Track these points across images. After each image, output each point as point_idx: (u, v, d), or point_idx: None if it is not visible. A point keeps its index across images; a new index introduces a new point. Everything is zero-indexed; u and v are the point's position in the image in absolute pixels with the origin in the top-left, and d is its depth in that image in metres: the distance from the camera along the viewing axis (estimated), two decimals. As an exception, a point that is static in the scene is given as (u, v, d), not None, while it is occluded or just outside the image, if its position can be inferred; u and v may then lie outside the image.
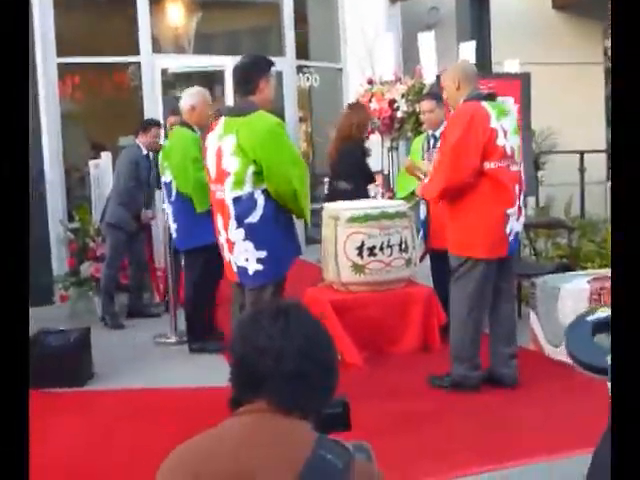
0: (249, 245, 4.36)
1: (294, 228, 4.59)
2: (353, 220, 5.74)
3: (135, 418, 4.77)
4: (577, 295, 5.42)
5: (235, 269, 4.50)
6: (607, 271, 5.91)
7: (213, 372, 5.17)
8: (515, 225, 4.84)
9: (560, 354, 5.50)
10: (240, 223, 4.35)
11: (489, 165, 4.70)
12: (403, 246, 5.82)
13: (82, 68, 9.55)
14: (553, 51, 11.75)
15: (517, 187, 4.83)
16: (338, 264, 5.78)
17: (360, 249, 5.72)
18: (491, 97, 4.94)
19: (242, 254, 4.40)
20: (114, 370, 5.64)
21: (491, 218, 4.73)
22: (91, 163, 7.90)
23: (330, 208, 6.09)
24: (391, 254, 5.77)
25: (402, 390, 5.02)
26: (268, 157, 4.25)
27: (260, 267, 4.37)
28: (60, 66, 8.74)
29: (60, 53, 8.66)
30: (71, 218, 8.26)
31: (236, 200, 4.32)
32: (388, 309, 5.75)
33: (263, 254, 4.36)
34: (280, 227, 4.40)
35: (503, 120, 4.79)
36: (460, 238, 4.84)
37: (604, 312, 1.80)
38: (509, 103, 6.32)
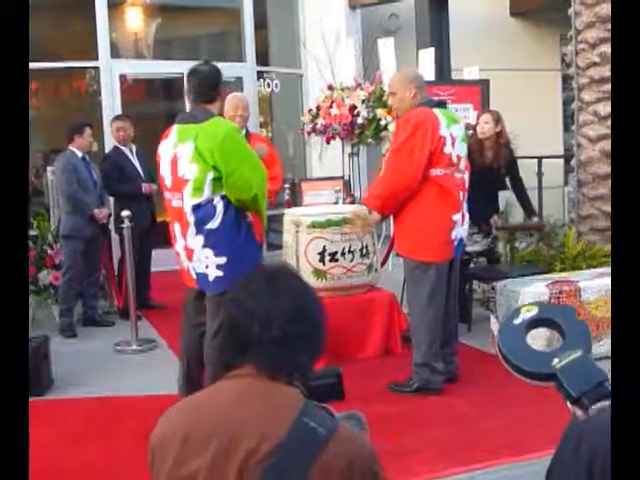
0: (209, 252, 4.31)
1: (254, 233, 4.50)
2: (315, 225, 5.74)
3: (96, 426, 4.72)
4: (536, 299, 5.46)
5: (194, 276, 4.44)
6: (566, 275, 5.99)
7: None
8: (460, 231, 4.97)
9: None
10: (199, 230, 4.29)
11: (435, 172, 4.79)
12: (364, 251, 5.84)
13: (40, 74, 9.44)
14: (511, 58, 11.88)
15: (461, 194, 4.94)
16: (299, 269, 5.78)
17: (322, 254, 5.73)
18: (442, 104, 5.04)
19: (202, 261, 4.34)
20: (74, 379, 5.57)
21: (438, 223, 4.84)
22: (49, 169, 7.81)
23: (291, 213, 6.10)
24: (352, 259, 5.79)
25: (365, 395, 5.02)
26: (227, 163, 4.20)
27: (220, 273, 4.31)
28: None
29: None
30: (29, 225, 8.16)
31: (195, 207, 4.27)
32: (350, 315, 5.76)
33: (223, 260, 4.30)
34: (240, 233, 4.35)
35: (453, 128, 4.87)
36: (410, 243, 4.95)
37: (529, 312, 1.76)
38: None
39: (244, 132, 5.90)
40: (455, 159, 4.87)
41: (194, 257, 4.37)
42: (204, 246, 4.30)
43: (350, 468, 1.58)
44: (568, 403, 1.63)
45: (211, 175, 4.20)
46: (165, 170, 4.42)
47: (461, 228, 5.00)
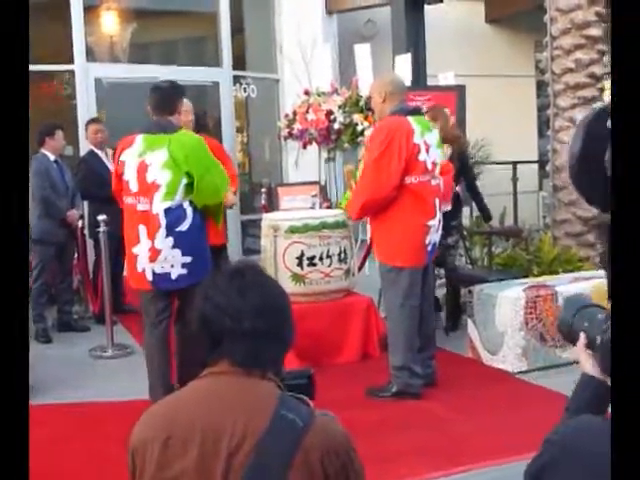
0: (177, 252, 4.64)
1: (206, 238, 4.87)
2: (293, 230, 5.74)
3: (72, 432, 4.68)
4: (513, 303, 5.50)
5: (150, 277, 4.72)
6: (543, 279, 6.03)
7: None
8: (434, 236, 5.05)
9: (497, 361, 5.59)
10: (170, 232, 4.61)
11: (410, 180, 4.84)
12: (342, 256, 5.85)
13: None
14: (487, 64, 11.97)
15: (437, 200, 5.00)
16: (277, 274, 5.76)
17: (300, 259, 5.72)
18: (416, 112, 5.09)
19: (168, 261, 4.66)
20: (50, 384, 5.51)
21: (413, 230, 4.89)
22: (24, 173, 7.72)
23: (269, 218, 6.08)
24: (330, 264, 5.79)
25: (344, 400, 5.01)
26: (200, 169, 4.62)
27: (184, 271, 4.67)
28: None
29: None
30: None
31: (167, 210, 4.59)
32: (328, 319, 5.76)
33: (189, 259, 4.66)
34: (202, 235, 4.78)
35: (427, 135, 4.93)
36: (385, 249, 5.01)
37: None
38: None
39: None
40: (430, 166, 4.92)
41: (159, 257, 4.66)
42: (173, 247, 4.63)
43: (329, 456, 1.64)
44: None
45: (184, 181, 4.58)
46: (130, 176, 4.71)
47: (436, 234, 5.06)
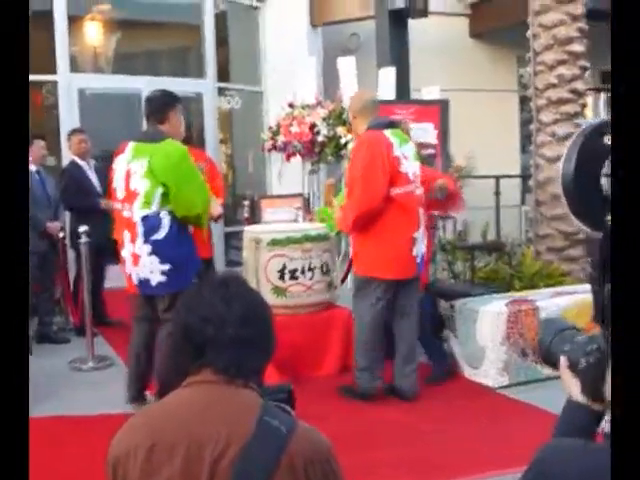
0: (154, 259, 4.75)
1: (193, 246, 4.95)
2: (275, 243, 5.72)
3: (50, 445, 4.62)
4: (495, 318, 5.50)
5: (136, 281, 4.85)
6: (524, 294, 6.04)
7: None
8: (421, 247, 5.13)
9: (478, 376, 5.58)
10: (147, 239, 4.74)
11: (395, 191, 4.95)
12: (324, 269, 5.83)
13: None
14: (470, 78, 12.01)
15: (421, 210, 5.13)
16: (259, 287, 5.73)
17: (282, 272, 5.70)
18: (392, 125, 5.17)
19: (147, 267, 4.77)
20: (31, 397, 5.45)
21: (400, 242, 4.99)
22: (5, 183, 7.67)
23: (251, 231, 6.06)
24: (312, 277, 5.77)
25: (325, 413, 5.00)
26: (176, 181, 4.68)
27: (163, 279, 4.78)
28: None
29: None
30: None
31: (144, 218, 4.72)
32: (309, 332, 5.74)
33: (167, 267, 4.76)
34: (183, 244, 4.84)
35: (404, 147, 5.06)
36: (368, 260, 5.08)
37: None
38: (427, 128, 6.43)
39: None
40: (412, 177, 5.02)
41: (140, 263, 4.79)
42: (150, 254, 4.75)
43: (312, 463, 1.65)
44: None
45: (160, 190, 4.68)
46: (118, 183, 4.86)
47: (422, 245, 5.14)
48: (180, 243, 4.82)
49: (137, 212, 4.73)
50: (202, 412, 1.68)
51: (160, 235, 4.73)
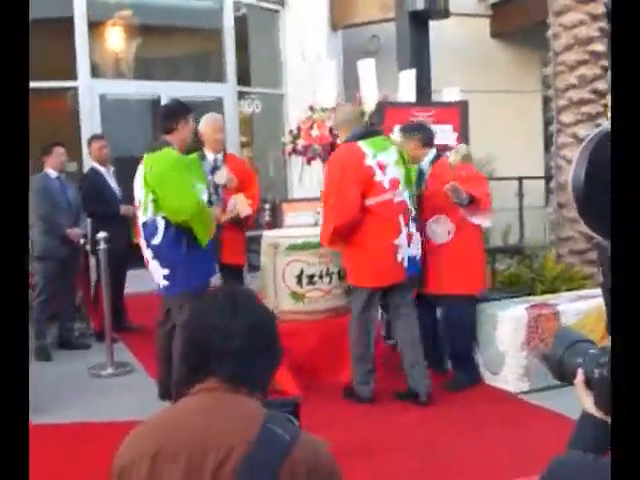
0: (156, 263, 5.03)
1: (199, 250, 5.00)
2: (292, 248, 5.69)
3: (71, 453, 4.63)
4: (515, 322, 5.44)
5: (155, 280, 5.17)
6: (545, 298, 5.96)
7: (152, 404, 5.07)
8: (407, 251, 5.20)
9: (499, 381, 5.52)
10: (148, 244, 5.03)
11: (369, 202, 5.06)
12: (342, 274, 5.79)
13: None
14: (492, 79, 11.92)
15: (402, 217, 5.18)
16: (277, 292, 5.73)
17: (299, 277, 5.67)
18: (370, 135, 5.28)
19: (154, 270, 5.08)
20: (48, 403, 5.47)
21: (378, 251, 5.11)
22: (26, 190, 7.72)
23: (269, 236, 6.04)
24: (330, 282, 5.74)
25: (340, 419, 4.97)
26: (160, 188, 4.90)
27: (166, 282, 5.03)
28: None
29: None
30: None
31: (144, 225, 5.03)
32: (326, 338, 5.70)
33: (167, 271, 5.00)
34: (181, 249, 4.96)
35: (381, 155, 5.13)
36: (353, 270, 5.29)
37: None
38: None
39: (221, 155, 6.25)
40: (388, 185, 5.10)
41: (149, 266, 5.12)
42: (153, 258, 5.04)
43: (315, 471, 1.67)
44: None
45: (151, 197, 4.92)
46: (135, 191, 5.17)
47: (408, 248, 5.21)
48: (177, 248, 4.94)
49: (140, 219, 5.05)
50: (206, 419, 1.71)
51: (157, 240, 4.97)
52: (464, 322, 5.61)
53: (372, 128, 5.78)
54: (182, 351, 1.90)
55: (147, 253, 5.08)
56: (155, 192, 4.89)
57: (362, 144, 5.13)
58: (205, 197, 5.13)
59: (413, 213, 5.32)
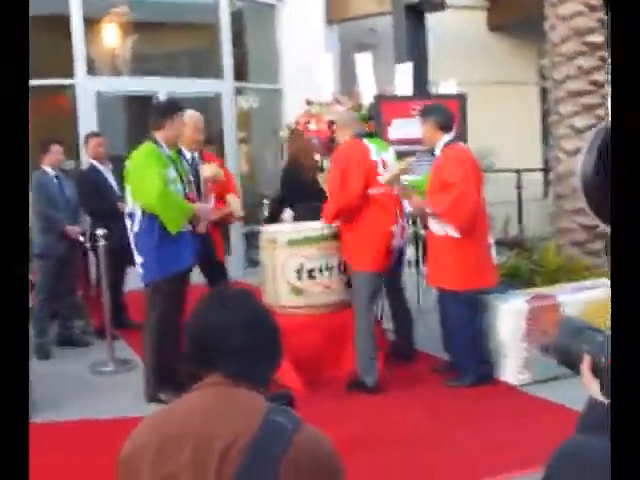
0: (135, 251, 5.31)
1: (171, 239, 5.19)
2: (291, 243, 5.68)
3: (73, 450, 4.63)
4: (515, 314, 5.43)
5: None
6: (545, 290, 5.95)
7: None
8: (398, 241, 5.61)
9: (499, 373, 5.52)
10: (131, 232, 5.32)
11: (372, 191, 5.43)
12: (342, 267, 5.78)
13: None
14: (489, 71, 11.92)
15: (397, 209, 5.62)
16: (277, 287, 5.72)
17: (299, 272, 5.67)
18: (371, 135, 5.84)
19: (135, 258, 5.33)
20: (49, 402, 5.47)
21: (380, 236, 5.45)
22: (24, 187, 7.72)
23: (268, 231, 6.03)
24: (331, 276, 5.73)
25: (342, 415, 4.97)
26: (130, 177, 5.28)
27: (141, 270, 5.32)
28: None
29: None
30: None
31: (129, 215, 5.34)
32: (328, 332, 5.70)
33: (141, 260, 5.28)
34: (154, 238, 5.18)
35: (383, 153, 5.61)
36: (356, 256, 5.49)
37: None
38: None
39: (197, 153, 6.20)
40: None
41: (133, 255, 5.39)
42: (134, 246, 5.32)
43: (317, 461, 1.72)
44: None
45: (128, 187, 5.31)
46: None
47: (400, 239, 5.63)
48: (151, 237, 5.18)
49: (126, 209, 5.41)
50: (210, 412, 1.76)
51: (135, 228, 5.26)
52: (448, 317, 5.55)
53: (370, 130, 6.36)
54: (185, 348, 1.92)
55: (131, 242, 5.35)
56: (129, 182, 5.27)
57: (366, 141, 5.58)
58: (180, 188, 5.33)
59: (405, 208, 5.73)
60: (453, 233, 5.33)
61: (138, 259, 5.28)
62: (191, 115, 6.00)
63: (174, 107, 5.45)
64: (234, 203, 6.32)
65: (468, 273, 5.38)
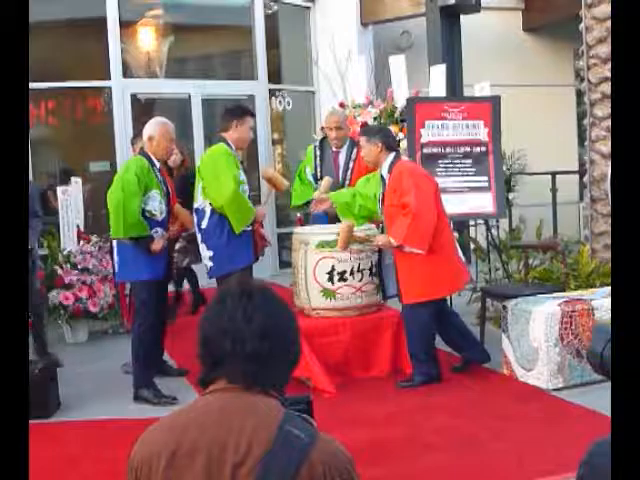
0: (204, 246, 5.65)
1: (240, 238, 5.55)
2: (323, 245, 5.68)
3: (104, 448, 4.67)
4: (548, 318, 5.38)
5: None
6: (579, 293, 5.89)
7: (184, 400, 5.14)
8: None
9: (532, 378, 5.47)
10: (199, 228, 5.65)
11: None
12: (374, 270, 5.78)
13: (56, 93, 9.49)
14: (524, 73, 11.83)
15: None
16: (308, 289, 5.72)
17: (330, 274, 5.66)
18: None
19: (203, 252, 5.68)
20: (81, 401, 5.52)
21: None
22: (59, 189, 7.82)
23: (300, 233, 6.04)
24: (362, 279, 5.72)
25: (373, 417, 4.96)
26: (205, 177, 5.55)
27: (211, 264, 5.65)
28: (33, 92, 8.65)
29: (32, 78, 8.56)
30: (39, 245, 8.14)
31: (196, 211, 5.66)
32: (359, 334, 5.69)
33: (211, 253, 5.61)
34: (223, 234, 5.54)
35: None
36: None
37: None
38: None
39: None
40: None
41: (200, 248, 5.73)
42: (201, 241, 5.66)
43: (332, 474, 1.65)
44: None
45: (201, 185, 5.58)
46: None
47: None
48: (220, 231, 5.56)
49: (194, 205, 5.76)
50: (223, 418, 1.70)
51: (204, 224, 5.64)
52: (413, 322, 5.53)
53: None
54: (197, 352, 1.85)
55: (198, 237, 5.66)
56: (203, 179, 5.52)
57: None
58: (246, 189, 5.68)
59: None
60: (418, 251, 5.34)
61: (207, 253, 5.61)
62: (162, 125, 5.69)
63: (240, 112, 5.78)
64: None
65: (438, 282, 5.47)
